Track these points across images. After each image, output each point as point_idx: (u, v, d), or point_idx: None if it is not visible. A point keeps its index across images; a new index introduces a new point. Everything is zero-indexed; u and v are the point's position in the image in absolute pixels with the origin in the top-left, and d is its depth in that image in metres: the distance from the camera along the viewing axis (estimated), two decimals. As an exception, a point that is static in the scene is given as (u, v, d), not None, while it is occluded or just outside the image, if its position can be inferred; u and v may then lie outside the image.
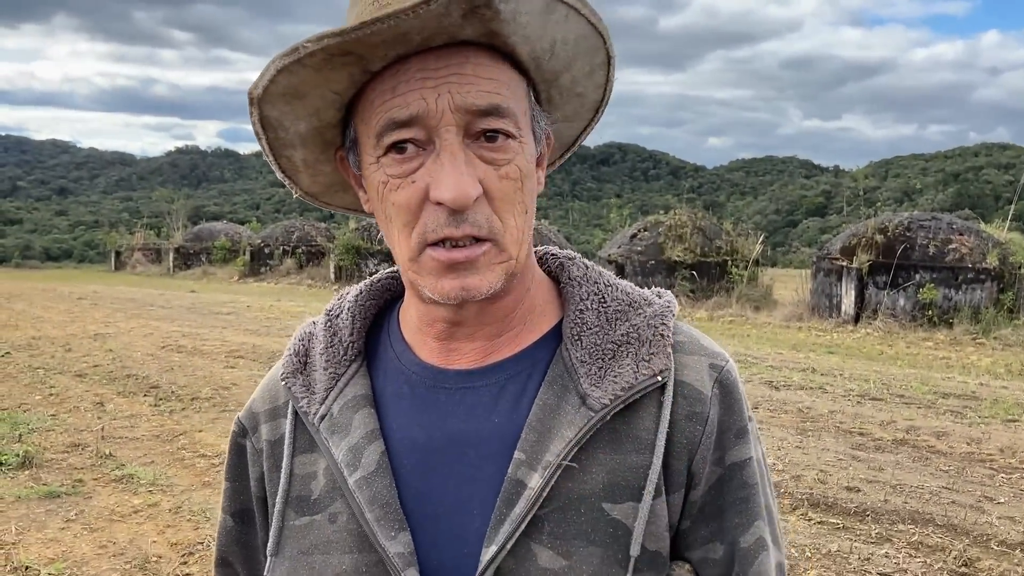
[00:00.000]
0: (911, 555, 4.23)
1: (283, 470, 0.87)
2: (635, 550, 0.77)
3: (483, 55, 0.75)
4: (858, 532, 4.54)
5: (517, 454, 0.79)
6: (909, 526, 4.61)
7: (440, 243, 0.75)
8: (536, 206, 0.84)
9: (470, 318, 0.83)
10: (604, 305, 0.85)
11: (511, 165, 0.76)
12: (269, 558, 0.86)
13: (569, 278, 0.88)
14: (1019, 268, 13.66)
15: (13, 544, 4.30)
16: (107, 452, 5.92)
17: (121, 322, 13.24)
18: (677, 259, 16.87)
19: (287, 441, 0.88)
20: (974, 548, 4.31)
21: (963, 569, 4.08)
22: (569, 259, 0.91)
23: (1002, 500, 5.07)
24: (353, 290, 0.94)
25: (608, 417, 0.79)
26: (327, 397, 0.87)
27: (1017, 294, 13.54)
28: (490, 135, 0.75)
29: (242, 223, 33.12)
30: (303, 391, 0.88)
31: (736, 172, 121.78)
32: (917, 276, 13.96)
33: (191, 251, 27.87)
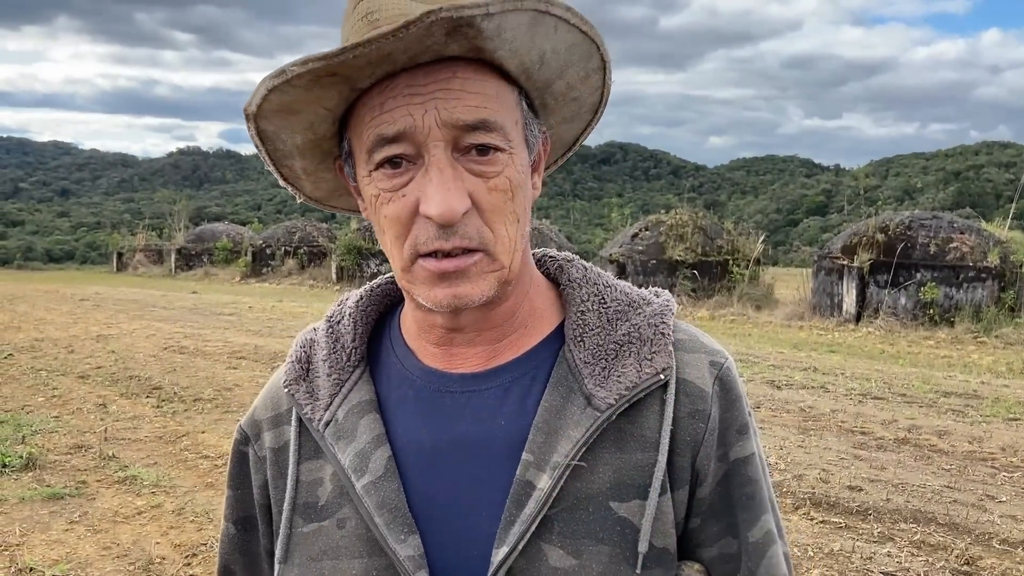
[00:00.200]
0: (913, 554, 4.23)
1: (289, 477, 0.87)
2: (643, 547, 0.78)
3: (470, 69, 0.75)
4: (860, 531, 4.54)
5: (525, 455, 0.80)
6: (911, 525, 4.61)
7: (431, 255, 0.76)
8: (532, 211, 0.85)
9: (467, 325, 0.84)
10: (604, 306, 0.86)
11: (501, 177, 0.77)
12: (278, 565, 0.87)
13: (569, 280, 0.89)
14: (1020, 267, 13.65)
15: (17, 546, 4.31)
16: (110, 453, 5.93)
17: (123, 323, 13.25)
18: (678, 258, 16.87)
19: (292, 448, 0.88)
20: (976, 547, 4.32)
21: (965, 568, 4.08)
22: (568, 261, 0.92)
23: (1004, 499, 5.07)
24: (354, 296, 0.95)
25: (613, 417, 0.80)
26: (331, 403, 0.87)
27: (1018, 292, 13.53)
28: (480, 149, 0.76)
29: (244, 224, 33.11)
30: (307, 398, 0.88)
31: (737, 171, 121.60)
32: (918, 275, 13.95)
33: (193, 252, 27.87)
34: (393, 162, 0.76)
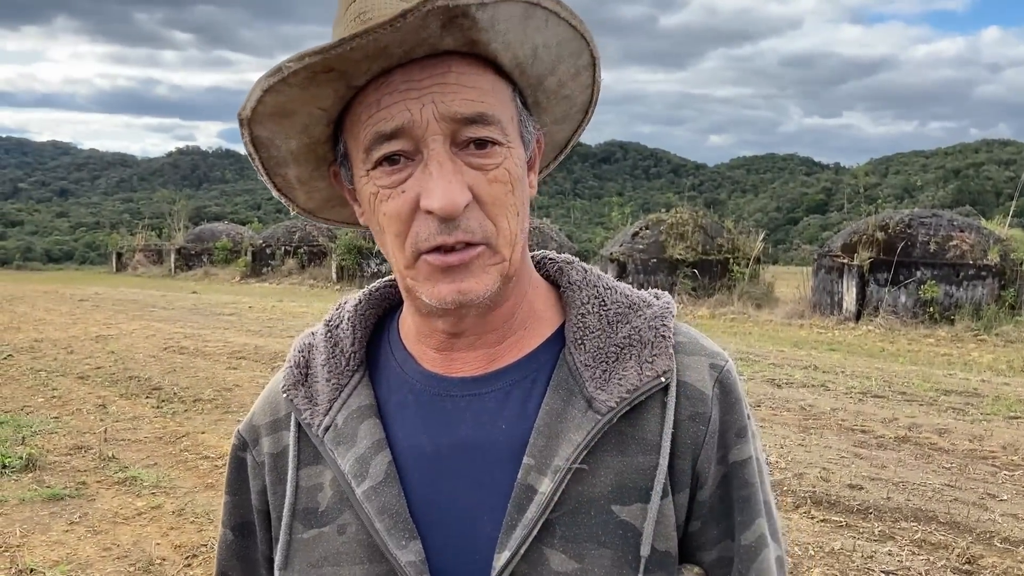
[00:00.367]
0: (914, 553, 4.23)
1: (288, 483, 0.87)
2: (645, 550, 0.78)
3: (465, 64, 0.75)
4: (861, 530, 4.54)
5: (526, 459, 0.79)
6: (912, 524, 4.61)
7: (434, 251, 0.76)
8: (529, 210, 0.85)
9: (468, 329, 0.84)
10: (605, 308, 0.86)
11: (500, 169, 0.77)
12: (278, 572, 0.86)
13: (569, 282, 0.89)
14: (1020, 264, 13.65)
15: (18, 547, 4.31)
16: (110, 454, 5.93)
17: (123, 324, 13.25)
18: (679, 257, 16.86)
19: (291, 454, 0.88)
20: (977, 545, 4.31)
21: (966, 566, 4.08)
22: (568, 263, 0.91)
23: (1005, 497, 5.07)
24: (352, 299, 0.94)
25: (614, 420, 0.80)
26: (331, 408, 0.87)
27: (1018, 290, 13.53)
28: (479, 143, 0.75)
29: (243, 223, 33.10)
30: (306, 403, 0.88)
31: (737, 170, 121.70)
32: (918, 273, 13.95)
33: (192, 252, 27.85)
34: (391, 159, 0.76)
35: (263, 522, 0.92)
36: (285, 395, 0.90)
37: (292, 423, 0.89)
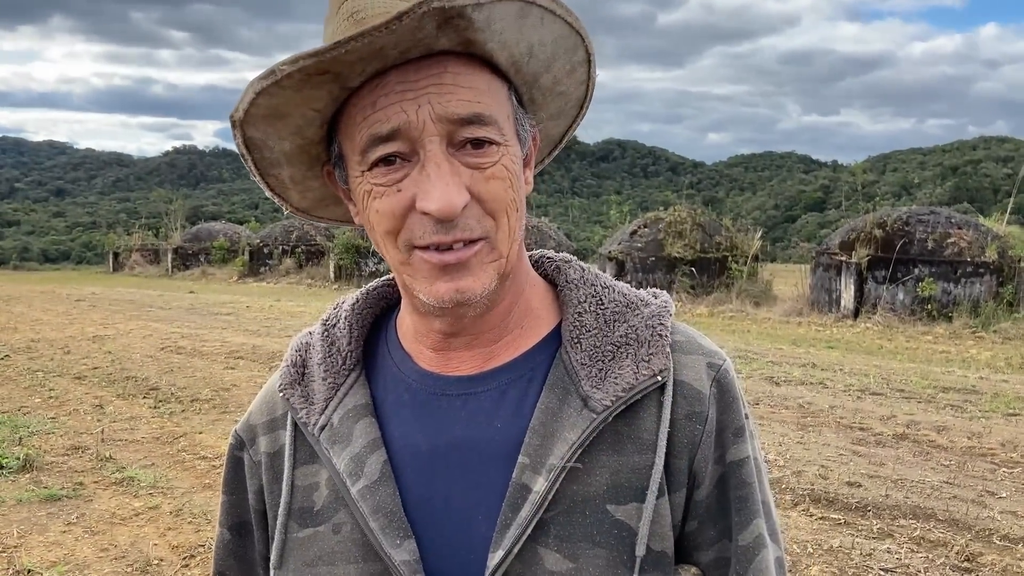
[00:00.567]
0: (913, 550, 4.23)
1: (284, 482, 0.87)
2: (640, 550, 0.77)
3: (461, 64, 0.75)
4: (860, 527, 4.54)
5: (521, 458, 0.79)
6: (911, 521, 4.61)
7: (430, 247, 0.76)
8: (525, 207, 0.84)
9: (465, 329, 0.83)
10: (602, 307, 0.85)
11: (498, 166, 0.76)
12: (273, 571, 0.86)
13: (566, 281, 0.88)
14: (1018, 261, 13.67)
15: (15, 547, 4.30)
16: (107, 455, 5.92)
17: (120, 324, 13.23)
18: (677, 255, 16.88)
19: (287, 453, 0.88)
20: (976, 543, 4.32)
21: (965, 564, 4.08)
22: (565, 262, 0.91)
23: (1004, 494, 5.07)
24: (349, 299, 0.94)
25: (610, 419, 0.79)
26: (327, 407, 0.86)
27: (1016, 287, 13.54)
28: (475, 142, 0.75)
29: (241, 223, 33.10)
30: (302, 402, 0.88)
31: (735, 168, 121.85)
32: (916, 270, 13.97)
33: (190, 251, 27.83)
34: (387, 161, 0.75)
35: (260, 522, 0.92)
36: (282, 394, 0.89)
37: (288, 422, 0.89)
